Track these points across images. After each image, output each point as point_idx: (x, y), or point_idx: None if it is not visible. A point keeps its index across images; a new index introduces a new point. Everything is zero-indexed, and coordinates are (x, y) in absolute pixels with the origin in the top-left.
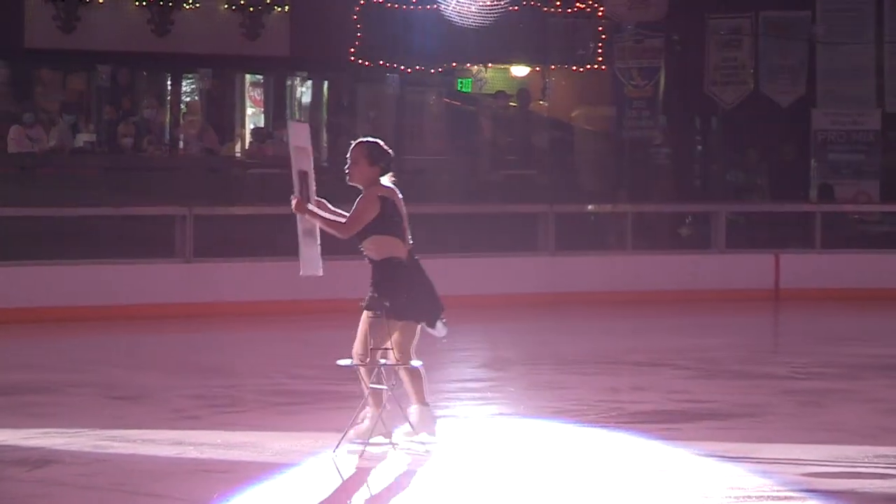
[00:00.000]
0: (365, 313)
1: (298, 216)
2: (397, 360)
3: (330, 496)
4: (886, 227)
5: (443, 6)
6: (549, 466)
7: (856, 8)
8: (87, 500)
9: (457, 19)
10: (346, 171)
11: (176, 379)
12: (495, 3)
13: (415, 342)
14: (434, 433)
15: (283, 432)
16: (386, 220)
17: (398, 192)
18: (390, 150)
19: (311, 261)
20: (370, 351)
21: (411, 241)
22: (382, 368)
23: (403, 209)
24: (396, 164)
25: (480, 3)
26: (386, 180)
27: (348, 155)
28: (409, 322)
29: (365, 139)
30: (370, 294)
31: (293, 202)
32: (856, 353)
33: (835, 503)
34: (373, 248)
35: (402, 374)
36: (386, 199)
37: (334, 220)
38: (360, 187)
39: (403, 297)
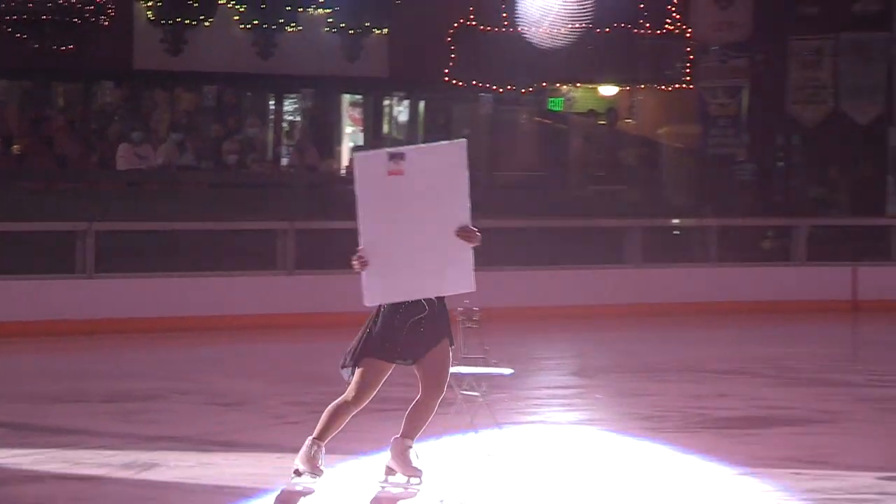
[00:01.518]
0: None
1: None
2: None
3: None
4: None
5: (524, 27)
6: (625, 470)
7: None
8: (192, 502)
9: (538, 39)
10: None
11: (279, 387)
12: (573, 25)
13: None
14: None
15: (380, 434)
16: None
17: None
18: None
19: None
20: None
21: None
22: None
23: None
24: (490, 180)
25: (559, 27)
26: None
27: None
28: None
29: None
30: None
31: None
32: None
33: None
34: None
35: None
36: None
37: None
38: None
39: None
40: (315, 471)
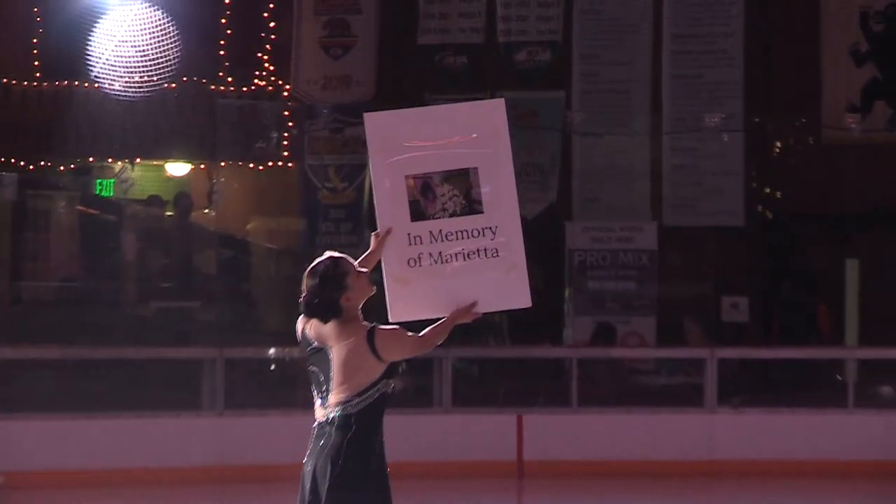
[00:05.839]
0: None
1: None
2: None
3: None
4: (664, 379)
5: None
6: None
7: (623, 89)
8: None
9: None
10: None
11: None
12: (149, 77)
13: None
14: None
15: None
16: None
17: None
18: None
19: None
20: None
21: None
22: None
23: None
24: (12, 292)
25: (130, 78)
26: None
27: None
28: None
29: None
30: None
31: None
32: None
33: None
34: None
35: None
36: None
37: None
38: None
39: None
40: None
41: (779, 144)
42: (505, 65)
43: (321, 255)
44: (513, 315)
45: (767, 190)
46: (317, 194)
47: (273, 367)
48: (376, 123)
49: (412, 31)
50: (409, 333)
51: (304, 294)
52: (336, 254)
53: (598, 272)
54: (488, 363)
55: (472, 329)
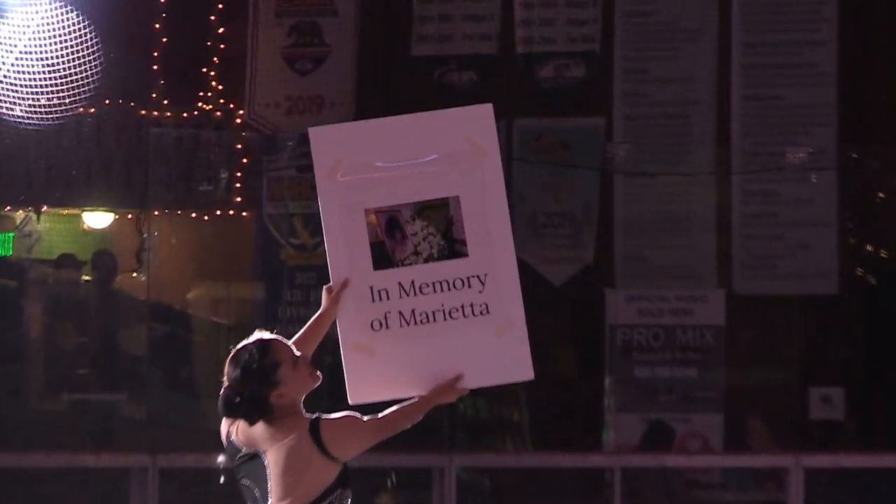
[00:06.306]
0: None
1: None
2: None
3: None
4: (735, 495)
5: None
6: None
7: (680, 114)
8: None
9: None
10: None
11: None
12: (60, 99)
13: None
14: None
15: None
16: None
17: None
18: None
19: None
20: None
21: None
22: None
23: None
24: None
25: (35, 100)
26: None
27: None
28: None
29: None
30: None
31: None
32: None
33: None
34: None
35: None
36: None
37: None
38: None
39: None
40: None
41: (883, 187)
42: (525, 83)
43: (257, 334)
44: (535, 411)
45: (869, 247)
46: (279, 253)
47: (222, 478)
48: (325, 140)
49: (404, 38)
50: (365, 418)
51: (224, 386)
52: (266, 336)
53: (649, 355)
54: (504, 474)
55: (481, 428)
